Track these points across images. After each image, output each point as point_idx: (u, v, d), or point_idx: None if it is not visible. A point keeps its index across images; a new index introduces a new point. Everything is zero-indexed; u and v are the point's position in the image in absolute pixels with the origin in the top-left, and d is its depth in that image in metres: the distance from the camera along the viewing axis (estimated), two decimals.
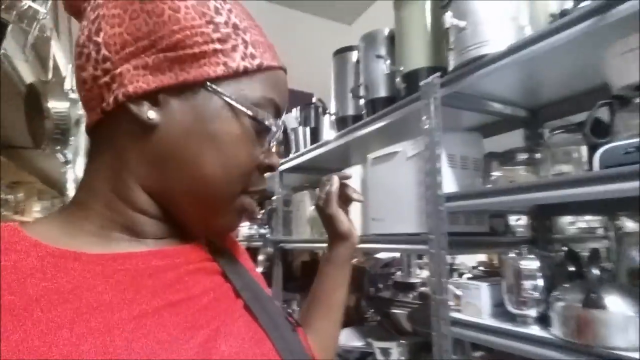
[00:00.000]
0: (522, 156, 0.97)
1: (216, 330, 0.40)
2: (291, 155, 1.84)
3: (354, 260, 2.13)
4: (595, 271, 0.67)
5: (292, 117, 1.88)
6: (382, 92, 1.30)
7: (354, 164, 1.49)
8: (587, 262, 0.70)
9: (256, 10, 0.49)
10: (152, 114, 0.40)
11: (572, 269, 0.85)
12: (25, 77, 1.42)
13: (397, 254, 2.14)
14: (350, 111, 1.48)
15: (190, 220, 0.44)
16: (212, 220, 0.45)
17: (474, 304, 0.88)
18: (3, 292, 0.32)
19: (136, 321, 0.35)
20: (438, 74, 1.01)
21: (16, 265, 0.34)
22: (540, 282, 0.79)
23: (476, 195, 0.88)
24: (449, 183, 0.99)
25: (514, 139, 1.27)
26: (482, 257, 2.38)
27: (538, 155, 0.97)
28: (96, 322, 0.33)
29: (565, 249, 0.86)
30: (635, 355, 0.61)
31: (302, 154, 1.75)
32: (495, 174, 1.04)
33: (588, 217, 1.50)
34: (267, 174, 0.49)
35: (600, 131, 0.74)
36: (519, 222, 1.40)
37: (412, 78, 1.13)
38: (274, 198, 1.98)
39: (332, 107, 1.56)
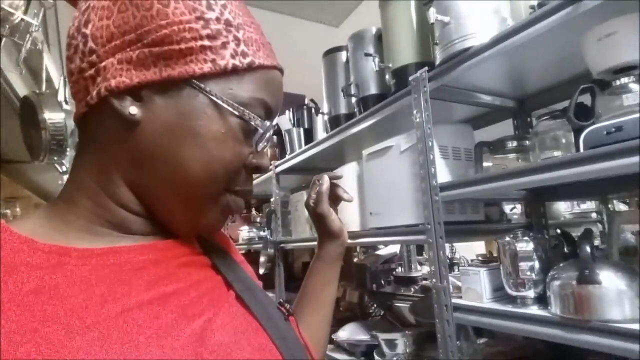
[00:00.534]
0: (512, 144, 1.00)
1: (209, 320, 0.39)
2: (287, 157, 1.86)
3: (355, 260, 2.16)
4: (588, 249, 0.70)
5: (285, 119, 1.90)
6: (372, 89, 1.33)
7: (348, 162, 1.51)
8: (580, 241, 0.73)
9: None
10: (134, 110, 0.39)
11: (566, 250, 0.87)
12: (18, 90, 1.43)
13: (397, 250, 2.17)
14: (343, 110, 1.50)
15: (173, 219, 0.43)
16: (195, 219, 0.44)
17: (474, 289, 0.91)
18: None
19: (129, 313, 0.35)
20: (426, 68, 1.04)
21: (6, 262, 0.33)
22: (537, 264, 0.81)
23: (469, 184, 0.91)
24: (443, 174, 1.01)
25: (503, 129, 1.29)
26: (481, 250, 2.42)
27: (527, 143, 1.00)
28: (88, 316, 0.33)
29: (559, 231, 0.88)
30: (631, 326, 0.63)
31: (297, 155, 1.77)
32: (487, 163, 1.07)
33: (583, 206, 1.53)
34: (262, 177, 0.49)
35: (583, 115, 0.77)
36: (513, 210, 1.43)
37: (401, 74, 1.16)
38: (272, 200, 2.00)
39: (325, 107, 1.58)
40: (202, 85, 0.40)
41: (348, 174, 1.40)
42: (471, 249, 2.40)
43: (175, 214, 0.43)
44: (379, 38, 1.32)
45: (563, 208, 1.51)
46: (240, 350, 0.40)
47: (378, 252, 2.21)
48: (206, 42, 0.39)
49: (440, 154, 1.03)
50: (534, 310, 0.80)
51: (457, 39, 0.95)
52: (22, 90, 1.44)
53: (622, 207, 1.39)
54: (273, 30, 0.47)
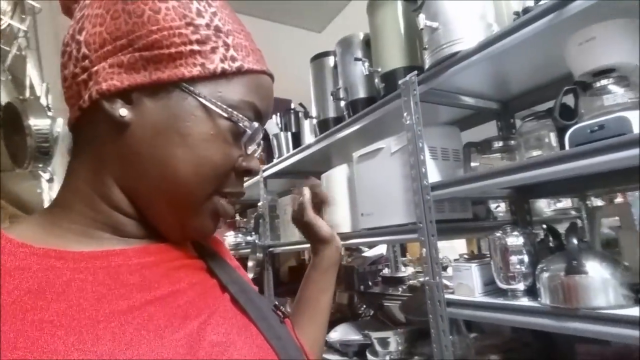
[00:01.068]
0: (498, 144, 1.04)
1: (204, 322, 0.40)
2: (274, 161, 1.87)
3: (342, 261, 2.18)
4: (575, 241, 0.74)
5: (273, 123, 1.91)
6: (361, 93, 1.36)
7: (335, 166, 1.54)
8: (566, 235, 0.77)
9: None
10: (124, 112, 0.40)
11: (552, 244, 0.91)
12: (2, 97, 1.40)
13: (383, 252, 2.20)
14: (331, 114, 1.53)
15: (163, 222, 0.44)
16: (185, 223, 0.44)
17: (466, 284, 0.94)
18: None
19: (123, 315, 0.35)
20: (415, 72, 1.07)
21: (2, 266, 0.34)
22: (526, 257, 0.85)
23: (459, 182, 0.94)
24: (433, 174, 1.05)
25: (488, 130, 1.34)
26: (463, 250, 2.47)
27: (512, 143, 1.04)
28: (83, 318, 0.33)
29: (545, 226, 0.92)
30: (616, 312, 0.67)
31: (285, 159, 1.79)
32: (474, 163, 1.11)
33: (559, 204, 1.60)
34: (249, 181, 0.49)
35: (567, 115, 0.81)
36: (498, 208, 1.48)
37: (390, 78, 1.19)
38: (259, 204, 2.00)
39: (313, 111, 1.60)
40: (191, 88, 0.41)
41: (338, 176, 1.43)
42: (454, 250, 2.46)
43: (165, 217, 0.43)
44: (366, 43, 1.36)
45: (543, 206, 1.57)
46: (235, 351, 0.40)
47: (364, 254, 2.24)
48: (195, 47, 0.40)
49: (430, 155, 1.07)
50: (525, 301, 0.83)
51: (446, 44, 0.99)
52: (3, 96, 1.40)
53: (598, 203, 1.45)
54: (256, 36, 0.49)
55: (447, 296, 0.95)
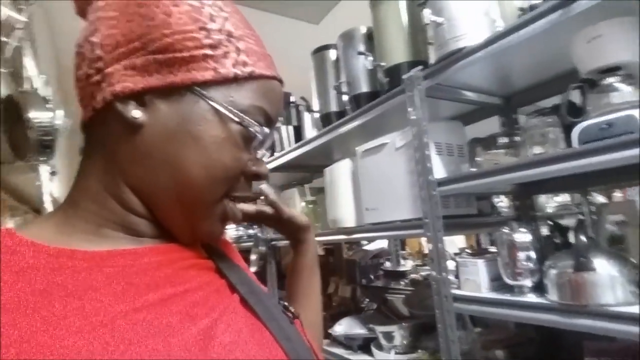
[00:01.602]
0: (503, 140, 1.04)
1: (214, 321, 0.40)
2: (276, 155, 1.86)
3: (345, 255, 2.19)
4: (583, 238, 0.75)
5: None
6: (364, 87, 1.35)
7: (336, 160, 1.54)
8: (574, 232, 0.78)
9: None
10: (137, 114, 0.40)
11: (557, 240, 0.92)
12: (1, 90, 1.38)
13: (385, 246, 2.22)
14: (334, 107, 1.52)
15: (173, 224, 0.44)
16: (195, 225, 0.44)
17: (473, 279, 0.95)
18: (1, 291, 0.32)
19: (133, 314, 0.35)
20: (420, 67, 1.07)
21: (12, 265, 0.34)
22: (533, 254, 0.86)
23: (466, 178, 0.95)
24: (438, 169, 1.05)
25: (490, 125, 1.35)
26: (462, 244, 2.49)
27: (517, 139, 1.05)
28: (93, 318, 0.34)
29: (551, 223, 0.93)
30: (624, 309, 0.68)
31: (287, 153, 1.78)
32: (478, 158, 1.11)
33: (557, 199, 1.61)
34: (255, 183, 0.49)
35: (572, 112, 0.82)
36: (499, 203, 1.49)
37: (394, 72, 1.19)
38: (261, 198, 2.00)
39: (315, 105, 1.60)
40: (204, 92, 0.41)
41: (342, 170, 1.43)
42: (453, 244, 2.48)
43: (175, 219, 0.44)
44: (368, 37, 1.35)
45: (544, 201, 1.59)
46: (245, 351, 0.40)
47: (365, 248, 2.26)
48: (208, 51, 0.41)
49: (435, 150, 1.07)
50: (532, 298, 0.84)
51: (451, 39, 0.99)
52: (2, 88, 1.38)
53: (599, 199, 1.47)
54: (254, 28, 0.49)
55: (454, 291, 0.96)
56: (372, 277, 1.91)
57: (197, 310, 0.40)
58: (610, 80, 0.77)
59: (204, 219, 0.44)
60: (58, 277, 0.35)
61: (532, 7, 0.87)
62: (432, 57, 1.05)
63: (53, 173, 1.45)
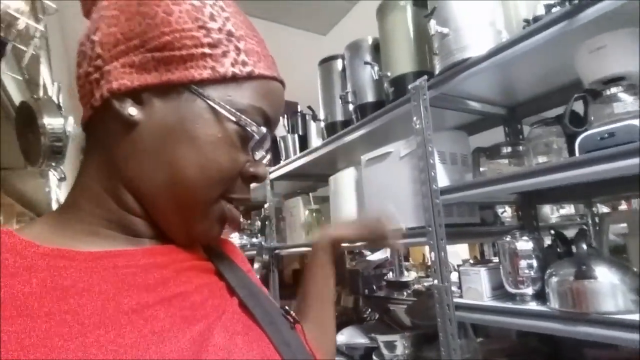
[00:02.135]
0: (507, 150, 1.05)
1: (211, 324, 0.39)
2: (281, 163, 1.88)
3: (349, 265, 2.19)
4: (584, 247, 0.75)
5: (280, 126, 1.93)
6: (370, 97, 1.37)
7: (340, 168, 1.55)
8: (576, 240, 0.78)
9: None
10: (133, 111, 0.40)
11: (560, 249, 0.92)
12: (14, 96, 1.42)
13: (388, 255, 2.21)
14: (339, 117, 1.54)
15: (169, 224, 0.44)
16: (191, 226, 0.44)
17: (475, 288, 0.95)
18: None
19: (130, 315, 0.35)
20: (425, 77, 1.09)
21: (9, 265, 0.34)
22: (535, 262, 0.86)
23: (468, 187, 0.95)
24: (442, 178, 1.06)
25: (495, 135, 1.36)
26: (465, 255, 2.48)
27: (521, 148, 1.06)
28: (89, 318, 0.33)
29: (553, 232, 0.93)
30: (626, 317, 0.68)
31: (292, 162, 1.80)
32: (482, 168, 1.12)
33: (562, 211, 1.61)
34: (254, 185, 0.49)
35: (576, 122, 0.83)
36: (504, 214, 1.49)
37: (399, 82, 1.21)
38: (265, 206, 2.02)
39: (321, 114, 1.62)
40: (201, 91, 0.41)
41: (346, 179, 1.44)
42: (457, 255, 2.47)
43: (171, 219, 0.43)
44: (375, 47, 1.37)
45: (548, 212, 1.58)
46: (240, 355, 0.40)
47: (368, 258, 2.25)
48: (207, 50, 0.41)
49: (438, 159, 1.08)
50: (534, 306, 0.84)
51: (456, 50, 1.00)
52: (15, 95, 1.42)
53: (604, 209, 1.47)
54: (257, 30, 0.49)
55: (456, 300, 0.96)
56: (374, 287, 1.90)
57: (193, 313, 0.39)
58: (613, 90, 0.77)
59: (200, 220, 0.44)
60: (55, 277, 0.35)
61: (535, 19, 0.89)
62: (437, 68, 1.07)
63: (62, 179, 1.48)
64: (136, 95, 0.40)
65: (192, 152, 0.41)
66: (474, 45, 0.99)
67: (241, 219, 2.76)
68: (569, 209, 1.63)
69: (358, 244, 0.89)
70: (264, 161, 0.48)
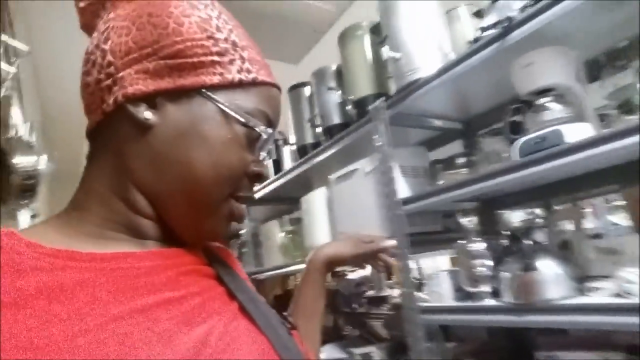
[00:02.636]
0: (461, 160, 1.13)
1: (211, 328, 0.40)
2: (256, 187, 1.92)
3: (327, 283, 2.20)
4: (528, 242, 0.82)
5: None
6: (336, 119, 1.45)
7: (315, 189, 1.60)
8: (521, 236, 0.84)
9: None
10: (148, 115, 0.42)
11: (514, 248, 0.98)
12: None
13: (368, 273, 2.24)
14: (309, 139, 1.61)
15: (180, 224, 0.46)
16: (201, 224, 0.46)
17: (437, 291, 1.00)
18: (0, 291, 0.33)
19: (131, 317, 0.36)
20: (383, 98, 1.17)
21: (11, 264, 0.34)
22: (489, 261, 0.92)
23: (427, 196, 1.02)
24: (405, 190, 1.12)
25: (455, 149, 1.44)
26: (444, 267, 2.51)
27: (474, 158, 1.14)
28: (91, 318, 0.34)
29: (509, 233, 1.00)
30: (565, 302, 0.74)
31: (267, 185, 1.85)
32: (442, 179, 1.19)
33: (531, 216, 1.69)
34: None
35: (517, 130, 0.91)
36: (468, 222, 1.55)
37: (361, 104, 1.29)
38: (242, 232, 2.04)
39: (292, 138, 1.69)
40: (211, 95, 0.44)
41: (317, 199, 1.49)
42: (438, 269, 2.49)
43: (182, 218, 0.46)
44: (338, 73, 1.46)
45: (513, 218, 1.66)
46: (241, 358, 0.41)
47: (348, 277, 2.27)
48: (216, 58, 0.44)
49: (401, 173, 1.15)
50: (490, 301, 0.90)
51: (408, 72, 1.09)
52: None
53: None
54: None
55: (421, 303, 1.00)
56: (355, 305, 1.92)
57: (194, 316, 0.40)
58: (542, 100, 0.86)
59: (210, 218, 0.46)
60: (56, 278, 0.35)
61: (475, 40, 0.99)
62: (393, 89, 1.15)
63: (34, 216, 1.48)
64: (150, 100, 0.43)
65: (204, 152, 0.43)
66: (424, 66, 1.08)
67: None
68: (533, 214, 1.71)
69: (351, 265, 0.94)
70: (265, 161, 0.52)
